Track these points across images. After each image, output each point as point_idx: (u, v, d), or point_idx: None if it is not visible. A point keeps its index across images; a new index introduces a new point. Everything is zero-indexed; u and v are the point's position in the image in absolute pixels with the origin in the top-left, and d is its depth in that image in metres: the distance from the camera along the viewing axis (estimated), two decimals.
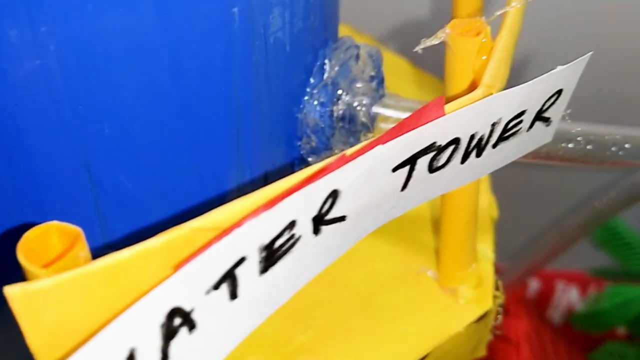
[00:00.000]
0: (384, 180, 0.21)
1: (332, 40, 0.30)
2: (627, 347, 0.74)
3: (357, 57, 0.30)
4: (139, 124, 0.23)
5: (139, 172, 0.24)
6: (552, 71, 0.23)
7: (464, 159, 0.23)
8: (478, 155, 0.24)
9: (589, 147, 0.31)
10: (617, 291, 0.71)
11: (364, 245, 0.35)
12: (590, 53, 0.24)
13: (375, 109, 0.30)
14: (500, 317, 0.34)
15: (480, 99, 0.22)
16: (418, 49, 0.27)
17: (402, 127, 0.20)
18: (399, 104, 0.30)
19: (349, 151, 0.20)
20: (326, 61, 0.29)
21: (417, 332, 0.32)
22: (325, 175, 0.19)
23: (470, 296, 0.33)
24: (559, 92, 0.24)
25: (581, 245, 0.75)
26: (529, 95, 0.23)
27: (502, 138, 0.24)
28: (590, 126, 0.31)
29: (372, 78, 0.30)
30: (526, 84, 0.22)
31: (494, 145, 0.24)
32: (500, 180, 0.82)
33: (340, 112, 0.30)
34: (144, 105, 0.22)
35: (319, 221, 0.20)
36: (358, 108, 0.30)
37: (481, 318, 0.32)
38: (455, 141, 0.22)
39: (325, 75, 0.29)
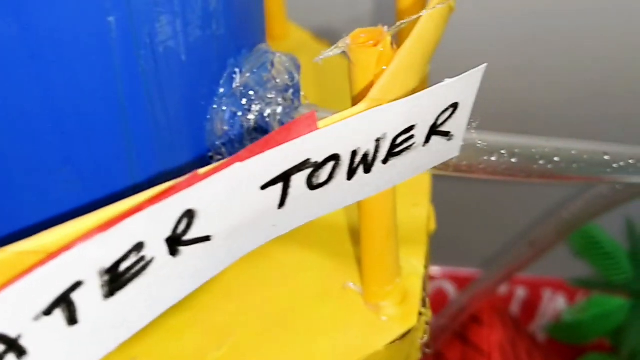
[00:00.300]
0: (253, 199, 0.20)
1: (246, 48, 0.29)
2: (609, 359, 0.73)
3: (272, 65, 0.29)
4: (12, 140, 0.22)
5: (17, 191, 0.23)
6: (438, 85, 0.22)
7: (350, 176, 0.22)
8: (367, 171, 0.23)
9: (513, 160, 0.30)
10: (597, 302, 0.69)
11: (291, 258, 0.34)
12: (485, 65, 0.23)
13: (289, 120, 0.29)
14: (426, 336, 0.33)
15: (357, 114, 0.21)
16: (317, 60, 0.26)
17: (267, 143, 0.19)
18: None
19: (203, 170, 0.19)
20: (236, 70, 0.28)
21: (334, 349, 0.31)
22: (173, 195, 0.18)
23: (394, 313, 0.32)
24: (455, 106, 0.23)
25: (569, 253, 0.73)
26: (415, 110, 0.22)
27: (392, 154, 0.23)
28: (517, 138, 0.30)
29: (287, 87, 0.29)
30: (408, 98, 0.21)
31: (385, 161, 0.23)
32: (474, 185, 0.81)
33: (252, 122, 0.29)
34: (13, 122, 0.22)
35: (175, 242, 0.19)
36: (270, 118, 0.29)
37: (404, 336, 0.31)
38: (334, 157, 0.21)
39: (235, 85, 0.28)
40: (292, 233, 0.36)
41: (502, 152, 0.29)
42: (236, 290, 0.34)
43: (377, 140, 0.22)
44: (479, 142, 0.29)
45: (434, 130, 0.23)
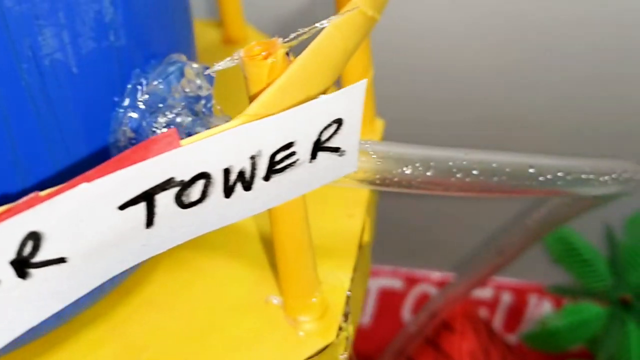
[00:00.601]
0: (111, 219, 0.20)
1: (156, 58, 0.29)
2: None
3: (182, 75, 0.29)
4: None
5: None
6: (313, 101, 0.21)
7: (227, 194, 0.22)
8: (247, 189, 0.22)
9: (429, 173, 0.29)
10: (574, 310, 0.68)
11: (217, 269, 0.34)
12: (365, 80, 0.22)
13: (198, 131, 0.28)
14: (346, 353, 0.32)
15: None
16: (209, 72, 0.26)
17: (120, 162, 0.19)
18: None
19: (45, 191, 0.18)
20: (142, 80, 0.28)
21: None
22: (11, 217, 0.17)
23: (312, 328, 0.31)
24: (339, 122, 0.22)
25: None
26: (291, 126, 0.21)
27: (274, 170, 0.22)
28: (433, 151, 0.29)
29: (198, 98, 0.29)
30: (280, 114, 0.21)
31: (266, 178, 0.22)
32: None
33: (158, 133, 0.28)
34: None
35: (23, 264, 0.19)
36: (178, 130, 0.28)
37: (321, 352, 0.30)
38: (203, 176, 0.21)
39: (140, 96, 0.28)
40: (221, 244, 0.35)
41: (417, 164, 0.29)
42: (158, 302, 0.33)
43: (252, 158, 0.21)
44: (393, 154, 0.28)
45: (320, 147, 0.23)
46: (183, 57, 0.29)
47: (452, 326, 0.65)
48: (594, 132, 0.69)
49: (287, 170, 0.22)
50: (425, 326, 0.64)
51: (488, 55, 0.64)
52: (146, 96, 0.28)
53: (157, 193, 0.20)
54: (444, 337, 0.65)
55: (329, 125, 0.22)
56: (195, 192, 0.21)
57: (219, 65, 0.25)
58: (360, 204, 0.37)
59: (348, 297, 0.33)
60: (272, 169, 0.22)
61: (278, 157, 0.22)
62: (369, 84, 0.39)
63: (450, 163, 0.29)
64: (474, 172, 0.29)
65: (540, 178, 0.30)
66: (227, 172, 0.21)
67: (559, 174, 0.31)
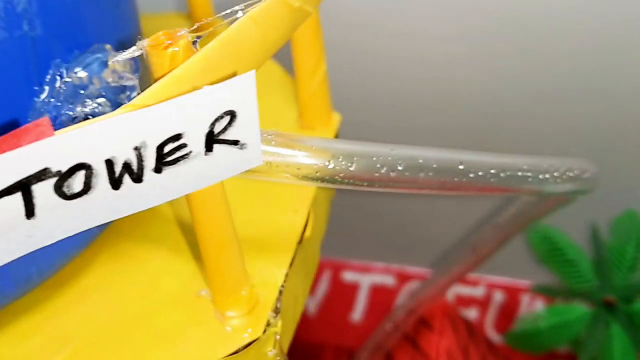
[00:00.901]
0: None
1: (80, 48, 0.28)
2: None
3: (105, 66, 0.28)
4: None
5: None
6: (195, 92, 0.21)
7: (115, 185, 0.21)
8: (137, 180, 0.22)
9: (352, 168, 0.28)
10: (557, 311, 0.67)
11: (156, 261, 0.34)
12: (253, 71, 0.21)
13: None
14: (275, 349, 0.31)
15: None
16: (114, 61, 0.26)
17: None
18: None
19: None
20: (62, 70, 0.28)
21: (169, 356, 0.30)
22: None
23: (238, 323, 0.31)
24: (232, 114, 0.22)
25: None
26: (174, 118, 0.21)
27: (165, 163, 0.22)
28: (358, 146, 0.29)
29: (122, 88, 0.29)
30: (159, 105, 0.20)
31: (158, 170, 0.22)
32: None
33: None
34: None
35: None
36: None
37: (246, 347, 0.30)
38: (83, 166, 0.20)
39: (59, 86, 0.28)
40: (162, 237, 0.35)
41: (340, 159, 0.28)
42: (93, 293, 0.33)
43: (137, 149, 0.21)
44: (314, 147, 0.28)
45: (215, 139, 0.22)
46: (108, 47, 0.29)
47: (430, 324, 0.65)
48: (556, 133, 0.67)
49: (181, 162, 0.22)
50: (402, 323, 0.64)
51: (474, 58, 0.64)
52: (64, 86, 0.28)
53: (33, 183, 0.20)
54: (422, 334, 0.65)
55: (221, 117, 0.22)
56: (76, 183, 0.21)
57: (125, 54, 0.25)
58: (305, 200, 0.37)
59: (280, 293, 0.32)
60: (163, 161, 0.22)
61: (167, 148, 0.21)
62: (320, 78, 0.39)
63: (374, 158, 0.28)
64: (399, 167, 0.29)
65: (471, 174, 0.30)
66: (110, 163, 0.21)
67: (492, 170, 0.30)
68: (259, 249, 0.34)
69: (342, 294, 0.92)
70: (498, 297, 0.89)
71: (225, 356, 0.30)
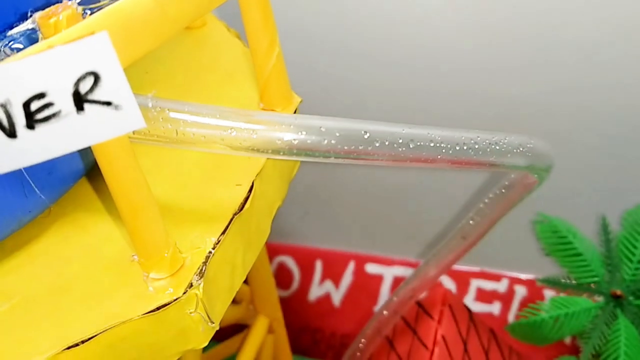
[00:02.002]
0: None
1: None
2: None
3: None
4: None
5: None
6: (48, 50, 0.23)
7: None
8: (11, 136, 0.24)
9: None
10: (561, 302, 0.66)
11: (101, 229, 0.36)
12: (105, 32, 0.23)
13: None
14: (198, 311, 0.33)
15: None
16: (10, 32, 0.28)
17: None
18: None
19: None
20: None
21: (97, 315, 0.32)
22: None
23: (161, 285, 0.33)
24: (94, 74, 0.24)
25: None
26: (31, 76, 0.23)
27: (36, 120, 0.24)
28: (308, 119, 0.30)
29: None
30: (11, 63, 0.22)
31: (31, 127, 0.24)
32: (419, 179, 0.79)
33: None
34: None
35: None
36: None
37: (167, 306, 0.32)
38: None
39: None
40: (109, 206, 0.38)
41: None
42: (40, 256, 0.36)
43: (2, 106, 0.23)
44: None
45: (84, 99, 0.24)
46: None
47: (430, 313, 0.65)
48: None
49: (53, 120, 0.24)
50: (398, 308, 0.64)
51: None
52: None
53: None
54: (421, 322, 0.65)
55: (83, 77, 0.24)
56: None
57: (21, 26, 0.27)
58: (250, 175, 0.38)
59: (207, 258, 0.34)
60: (33, 119, 0.24)
61: (33, 106, 0.24)
62: (275, 59, 0.40)
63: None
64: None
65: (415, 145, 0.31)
66: None
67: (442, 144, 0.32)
68: (196, 219, 0.36)
69: (366, 285, 0.93)
70: (520, 291, 0.87)
71: (145, 313, 0.32)
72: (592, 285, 0.66)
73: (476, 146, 0.35)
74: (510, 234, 0.84)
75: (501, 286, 0.89)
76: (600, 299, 0.66)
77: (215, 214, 0.36)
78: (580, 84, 0.64)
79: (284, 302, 0.92)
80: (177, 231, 0.35)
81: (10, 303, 0.34)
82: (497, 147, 0.36)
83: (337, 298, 0.94)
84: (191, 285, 0.33)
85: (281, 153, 0.31)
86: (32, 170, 0.34)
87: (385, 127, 0.31)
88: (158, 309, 0.32)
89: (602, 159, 0.68)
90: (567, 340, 0.75)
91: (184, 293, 0.32)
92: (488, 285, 0.88)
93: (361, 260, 0.94)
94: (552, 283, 0.68)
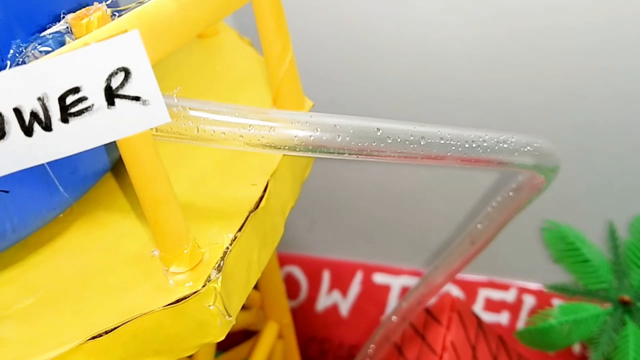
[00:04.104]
0: None
1: (37, 29, 0.32)
2: None
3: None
4: None
5: None
6: (83, 48, 0.24)
7: (28, 133, 0.25)
8: (47, 129, 0.25)
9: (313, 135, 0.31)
10: (570, 309, 0.67)
11: (121, 226, 0.38)
12: (136, 30, 0.25)
13: None
14: (217, 304, 0.34)
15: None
16: (43, 34, 0.29)
17: None
18: None
19: None
20: (22, 49, 0.32)
21: (119, 307, 0.33)
22: None
23: (181, 278, 0.34)
24: (125, 70, 0.25)
25: None
26: (67, 71, 0.24)
27: (70, 114, 0.25)
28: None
29: None
30: (51, 59, 0.24)
31: (65, 120, 0.25)
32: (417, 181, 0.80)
33: None
34: None
35: None
36: None
37: (187, 299, 0.33)
38: None
39: (20, 61, 0.32)
40: (133, 207, 0.39)
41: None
42: (63, 252, 0.37)
43: (40, 100, 0.24)
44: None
45: (115, 94, 0.26)
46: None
47: (438, 319, 0.66)
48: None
49: (86, 114, 0.26)
50: (407, 315, 0.65)
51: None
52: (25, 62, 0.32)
53: None
54: (430, 328, 0.66)
55: (115, 73, 0.25)
56: None
57: (53, 28, 0.29)
58: (265, 175, 0.39)
59: (225, 254, 0.35)
60: (67, 112, 0.25)
61: (68, 100, 0.25)
62: (287, 64, 0.42)
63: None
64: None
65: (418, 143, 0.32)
66: (18, 112, 0.24)
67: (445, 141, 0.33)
68: (214, 216, 0.37)
69: (373, 295, 0.94)
70: (529, 301, 0.88)
71: (165, 305, 0.33)
72: (601, 292, 0.67)
73: (485, 144, 0.37)
74: (518, 243, 0.85)
75: (509, 296, 0.89)
76: (608, 305, 0.66)
77: (232, 211, 0.37)
78: (587, 90, 0.65)
79: (292, 312, 0.93)
80: (195, 228, 0.36)
81: (35, 296, 0.35)
82: (505, 146, 0.37)
83: (344, 308, 0.95)
84: (209, 279, 0.34)
85: (297, 149, 0.32)
86: (56, 169, 0.36)
87: (397, 124, 0.32)
88: (178, 301, 0.33)
89: (609, 165, 0.69)
90: (576, 349, 0.76)
91: (203, 286, 0.34)
92: (496, 294, 0.89)
93: (369, 270, 0.94)
94: (560, 289, 0.69)
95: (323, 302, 0.96)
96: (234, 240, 0.36)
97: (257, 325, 0.64)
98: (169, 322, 0.33)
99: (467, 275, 0.90)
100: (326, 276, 0.96)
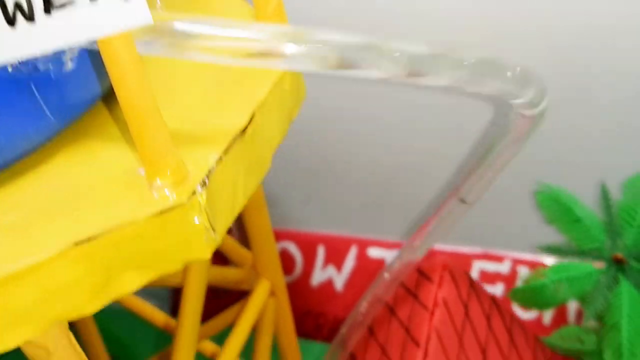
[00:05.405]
0: None
1: None
2: (584, 332, 0.70)
3: None
4: None
5: None
6: None
7: (11, 22, 0.25)
8: (29, 19, 0.26)
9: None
10: (563, 267, 0.67)
11: (110, 154, 0.38)
12: None
13: None
14: (202, 217, 0.34)
15: None
16: None
17: None
18: None
19: None
20: None
21: (105, 218, 0.33)
22: None
23: (165, 192, 0.34)
24: None
25: None
26: None
27: (52, 5, 0.26)
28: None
29: None
30: None
31: (47, 11, 0.26)
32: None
33: None
34: None
35: None
36: None
37: (171, 210, 0.33)
38: None
39: None
40: (122, 135, 0.39)
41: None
42: (51, 174, 0.37)
43: None
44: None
45: None
46: None
47: (430, 277, 0.66)
48: None
49: (68, 7, 0.26)
50: (399, 273, 0.65)
51: None
52: None
53: None
54: (422, 286, 0.66)
55: None
56: None
57: None
58: (252, 105, 0.40)
59: (210, 172, 0.35)
60: (49, 3, 0.25)
61: None
62: (275, 4, 0.42)
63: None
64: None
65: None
66: (2, 2, 0.25)
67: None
68: (200, 141, 0.37)
69: (368, 269, 0.94)
70: (523, 272, 0.88)
71: (149, 216, 0.33)
72: (594, 252, 0.67)
73: (473, 65, 0.36)
74: (512, 214, 0.85)
75: (504, 267, 0.89)
76: (602, 265, 0.66)
77: (218, 136, 0.37)
78: (580, 49, 0.66)
79: (287, 288, 0.93)
80: (181, 150, 0.36)
81: (20, 212, 0.35)
82: (492, 68, 0.37)
83: (339, 282, 0.95)
84: (194, 193, 0.34)
85: (285, 61, 0.32)
86: (44, 92, 0.36)
87: (380, 39, 0.33)
88: (162, 213, 0.33)
89: (602, 127, 0.70)
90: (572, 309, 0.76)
91: (188, 200, 0.34)
92: (491, 266, 0.89)
93: (363, 245, 0.95)
94: (554, 250, 0.69)
95: (318, 277, 0.96)
96: (219, 160, 0.36)
97: (250, 283, 0.64)
98: (153, 233, 0.33)
99: (461, 248, 0.90)
100: (321, 251, 0.97)
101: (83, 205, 0.34)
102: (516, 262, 0.88)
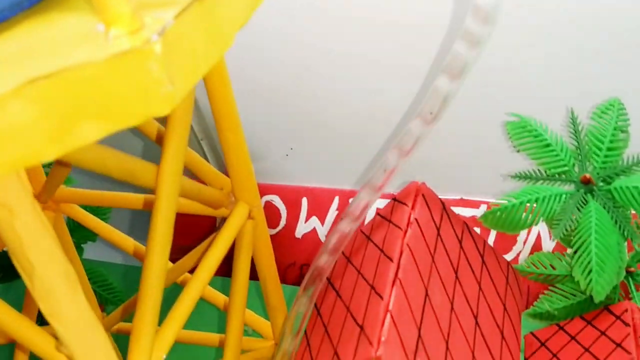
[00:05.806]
0: None
1: None
2: (555, 258, 0.71)
3: None
4: None
5: None
6: None
7: None
8: None
9: None
10: (532, 189, 0.68)
11: (72, 20, 0.39)
12: None
13: None
14: (157, 66, 0.35)
15: None
16: None
17: None
18: None
19: None
20: None
21: (60, 63, 0.34)
22: None
23: (120, 40, 0.35)
24: None
25: None
26: None
27: None
28: None
29: None
30: None
31: None
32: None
33: None
34: None
35: None
36: None
37: (125, 53, 0.34)
38: None
39: None
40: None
41: None
42: (8, 34, 0.38)
43: None
44: None
45: None
46: None
47: (404, 202, 0.67)
48: None
49: None
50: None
51: None
52: None
53: None
54: (396, 211, 0.67)
55: None
56: None
57: None
58: None
59: (166, 25, 0.36)
60: None
61: None
62: None
63: None
64: None
65: None
66: None
67: None
68: (158, 3, 0.39)
69: None
70: None
71: (105, 59, 0.34)
72: (563, 175, 0.68)
73: None
74: (485, 159, 0.86)
75: (480, 212, 0.90)
76: (571, 187, 0.68)
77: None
78: None
79: (272, 240, 0.94)
80: (141, 9, 0.37)
81: None
82: None
83: (323, 234, 0.96)
84: (149, 41, 0.35)
85: None
86: None
87: None
88: (118, 56, 0.34)
89: (571, 53, 0.71)
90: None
91: (143, 45, 0.35)
92: (468, 212, 0.90)
93: (345, 196, 0.96)
94: (524, 177, 0.70)
95: (302, 228, 0.97)
96: (176, 16, 0.37)
97: (227, 205, 0.65)
98: (110, 77, 0.35)
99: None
100: (304, 203, 0.98)
101: (40, 53, 0.36)
102: (493, 206, 0.89)
